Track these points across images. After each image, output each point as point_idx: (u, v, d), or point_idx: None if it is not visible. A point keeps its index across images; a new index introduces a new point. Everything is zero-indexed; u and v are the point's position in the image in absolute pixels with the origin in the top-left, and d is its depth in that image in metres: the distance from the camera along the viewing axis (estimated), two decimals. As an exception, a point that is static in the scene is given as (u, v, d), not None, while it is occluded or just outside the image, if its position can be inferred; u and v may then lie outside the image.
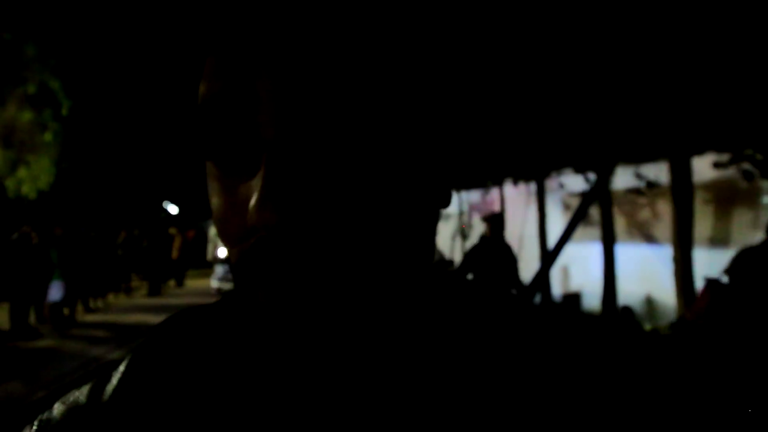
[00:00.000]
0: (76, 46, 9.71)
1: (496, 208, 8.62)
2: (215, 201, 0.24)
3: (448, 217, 9.85)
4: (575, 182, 6.44)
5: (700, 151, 4.78)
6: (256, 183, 0.21)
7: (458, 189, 8.65)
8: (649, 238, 6.87)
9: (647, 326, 5.06)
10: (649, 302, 6.42)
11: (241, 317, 0.30)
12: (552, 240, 6.48)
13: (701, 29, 3.00)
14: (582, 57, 3.53)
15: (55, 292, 6.37)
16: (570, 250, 6.04)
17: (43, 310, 6.44)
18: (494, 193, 8.51)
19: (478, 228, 9.65)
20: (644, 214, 7.02)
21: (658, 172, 5.37)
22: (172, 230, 11.96)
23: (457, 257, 9.10)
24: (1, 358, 5.01)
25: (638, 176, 5.43)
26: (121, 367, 0.31)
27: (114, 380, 0.30)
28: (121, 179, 12.81)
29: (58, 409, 0.30)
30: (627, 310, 5.11)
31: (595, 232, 6.37)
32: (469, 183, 8.24)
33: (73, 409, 0.30)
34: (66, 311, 6.74)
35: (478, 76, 3.81)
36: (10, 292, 6.03)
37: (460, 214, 9.33)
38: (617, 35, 3.25)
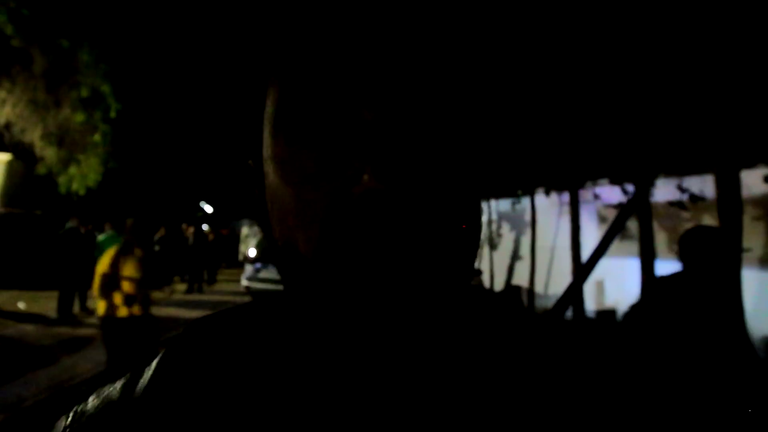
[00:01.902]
0: (127, 53, 10.26)
1: (527, 218, 8.40)
2: (295, 185, 0.27)
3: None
4: (612, 193, 6.17)
5: (751, 164, 4.49)
6: (364, 159, 0.25)
7: (487, 198, 8.49)
8: (692, 255, 6.47)
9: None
10: (691, 323, 6.03)
11: (275, 322, 0.31)
12: (586, 253, 6.23)
13: (757, 33, 2.81)
14: (622, 59, 3.38)
15: None
16: (605, 265, 5.78)
17: (86, 301, 6.77)
18: (525, 202, 8.31)
19: (507, 238, 9.44)
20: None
21: (703, 185, 5.07)
22: (206, 229, 12.31)
23: (485, 266, 8.91)
24: (45, 345, 5.29)
25: (681, 189, 5.13)
26: (153, 364, 0.32)
27: (146, 377, 0.31)
28: (162, 179, 13.39)
29: (92, 402, 0.31)
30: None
31: (633, 246, 6.07)
32: (498, 192, 8.07)
33: (106, 403, 0.31)
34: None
35: (511, 80, 3.72)
36: (59, 282, 6.39)
37: (489, 223, 9.16)
38: (663, 37, 3.10)
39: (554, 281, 7.71)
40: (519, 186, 7.37)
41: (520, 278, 8.45)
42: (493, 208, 9.08)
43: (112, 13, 9.26)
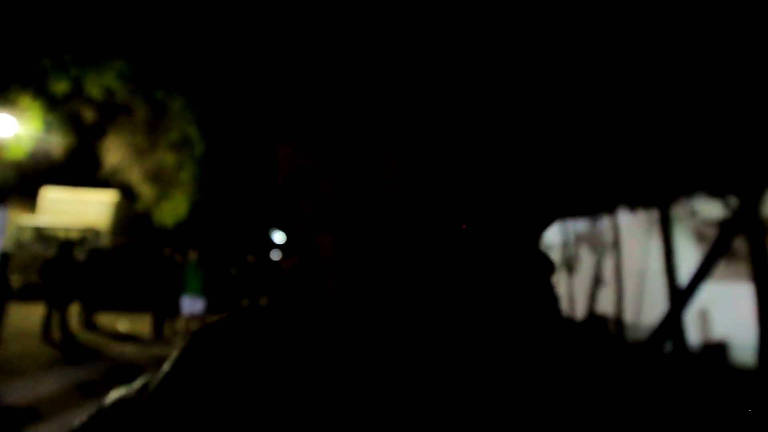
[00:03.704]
0: (212, 101, 11.47)
1: (608, 238, 7.68)
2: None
3: (550, 248, 9.07)
4: (711, 208, 5.44)
5: None
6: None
7: (563, 217, 7.95)
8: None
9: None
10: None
11: (292, 324, 0.30)
12: (683, 278, 5.51)
13: None
14: (722, 56, 3.03)
15: (190, 305, 7.15)
16: (710, 291, 5.04)
17: (176, 323, 7.31)
18: (605, 221, 7.62)
19: (586, 260, 8.69)
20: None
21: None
22: (250, 258, 12.53)
23: (562, 292, 8.24)
24: (141, 363, 5.75)
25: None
26: (166, 366, 0.32)
27: (158, 376, 0.32)
28: (239, 210, 14.46)
29: (110, 398, 0.33)
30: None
31: (744, 269, 5.25)
32: (575, 210, 7.51)
33: (121, 400, 0.32)
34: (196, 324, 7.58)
35: (586, 82, 3.49)
36: (153, 305, 6.99)
37: (565, 245, 8.52)
38: None
39: (646, 310, 6.88)
40: (598, 203, 6.79)
41: (604, 306, 7.67)
42: (569, 229, 8.46)
43: (199, 66, 10.43)
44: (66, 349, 5.69)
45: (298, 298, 0.30)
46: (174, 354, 0.33)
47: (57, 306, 5.82)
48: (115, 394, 0.33)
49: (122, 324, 7.57)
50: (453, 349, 0.26)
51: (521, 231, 0.26)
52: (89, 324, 7.21)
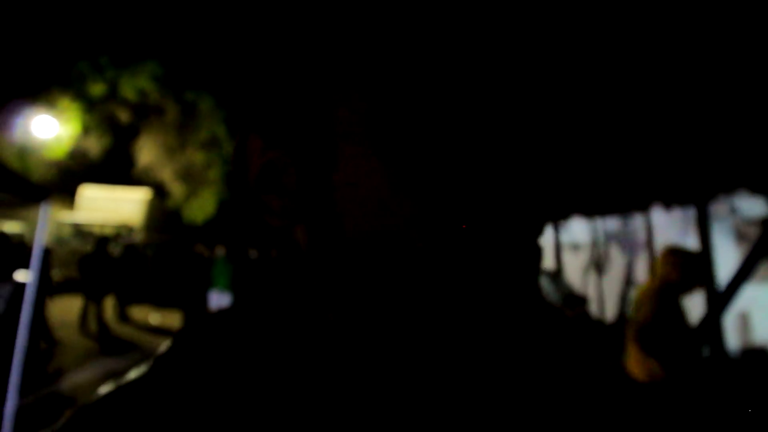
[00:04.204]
0: (241, 101, 11.74)
1: (641, 238, 7.38)
2: None
3: (578, 247, 8.80)
4: (753, 206, 5.15)
5: None
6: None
7: (592, 215, 7.69)
8: None
9: None
10: None
11: (276, 316, 0.30)
12: (723, 279, 5.23)
13: None
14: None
15: (217, 300, 7.33)
16: (751, 293, 4.78)
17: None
18: (638, 220, 7.34)
19: (617, 261, 8.38)
20: None
21: None
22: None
23: (591, 294, 7.97)
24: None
25: None
26: (156, 355, 0.32)
27: (148, 367, 0.32)
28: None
29: (103, 390, 0.32)
30: None
31: (789, 270, 4.95)
32: (605, 208, 7.25)
33: (112, 391, 0.31)
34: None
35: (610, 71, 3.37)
36: (184, 300, 7.19)
37: (595, 244, 8.26)
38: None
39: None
40: (631, 200, 6.53)
41: (636, 307, 7.38)
42: (599, 228, 8.19)
43: (227, 66, 10.69)
44: (102, 341, 5.93)
45: (278, 294, 0.30)
46: (167, 343, 0.32)
47: (93, 299, 6.08)
48: (101, 391, 0.32)
49: (154, 317, 7.84)
50: (420, 338, 0.25)
51: (479, 222, 0.24)
52: (123, 317, 7.50)
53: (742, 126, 3.64)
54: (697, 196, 5.60)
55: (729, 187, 5.03)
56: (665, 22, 3.20)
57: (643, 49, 3.34)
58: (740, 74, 3.28)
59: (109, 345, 5.73)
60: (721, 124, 3.72)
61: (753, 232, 5.34)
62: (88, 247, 7.73)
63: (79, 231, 10.96)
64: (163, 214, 12.37)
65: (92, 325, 6.06)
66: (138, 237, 10.91)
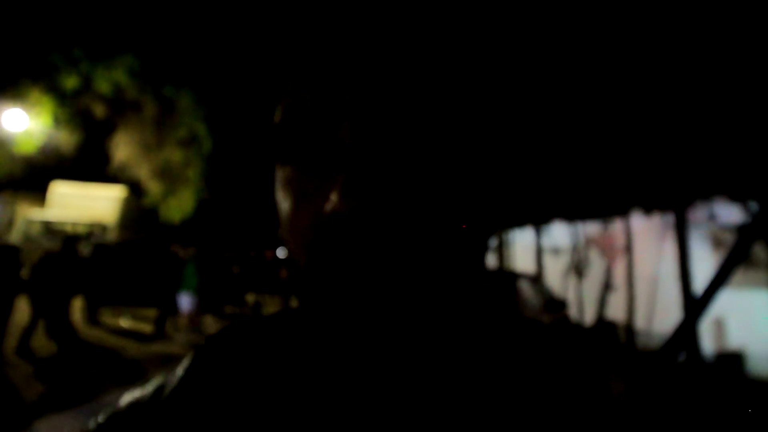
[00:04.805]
0: (220, 97, 11.47)
1: (620, 242, 7.47)
2: (289, 202, 0.28)
3: (558, 251, 8.86)
4: (729, 213, 5.24)
5: None
6: (337, 179, 0.26)
7: (572, 219, 7.75)
8: None
9: None
10: None
11: (296, 328, 0.33)
12: (699, 285, 5.30)
13: None
14: (744, 55, 2.87)
15: (186, 302, 7.16)
16: (726, 299, 4.85)
17: (179, 320, 7.28)
18: (617, 225, 7.42)
19: (597, 265, 8.47)
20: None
21: None
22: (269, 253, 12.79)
23: (571, 297, 8.03)
24: (139, 360, 5.71)
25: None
26: (180, 369, 0.34)
27: (174, 379, 0.34)
28: (245, 208, 14.47)
29: (124, 400, 0.34)
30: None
31: (763, 276, 5.04)
32: (585, 213, 7.31)
33: (137, 402, 0.33)
34: (195, 320, 7.53)
35: (589, 78, 3.36)
36: (158, 301, 6.95)
37: (575, 249, 8.32)
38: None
39: (659, 317, 6.67)
40: (611, 205, 6.59)
41: (615, 312, 7.47)
42: (579, 232, 8.25)
43: (208, 62, 10.43)
44: (66, 344, 5.66)
45: (300, 309, 0.33)
46: (188, 357, 0.35)
47: (59, 301, 5.80)
48: (128, 397, 0.34)
49: (125, 320, 7.56)
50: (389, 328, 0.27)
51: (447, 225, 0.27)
52: (92, 319, 7.20)
53: (720, 135, 3.67)
54: (676, 202, 5.68)
55: (707, 194, 5.11)
56: (642, 33, 3.20)
57: (623, 60, 3.34)
58: (718, 86, 3.30)
59: (73, 349, 5.47)
60: (700, 133, 3.74)
61: (729, 239, 5.44)
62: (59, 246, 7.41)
63: (50, 229, 10.55)
64: (138, 212, 12.02)
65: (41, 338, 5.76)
66: (112, 235, 10.55)
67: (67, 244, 6.09)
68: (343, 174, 0.25)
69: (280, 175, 0.29)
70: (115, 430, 0.32)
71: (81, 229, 10.43)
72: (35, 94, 9.93)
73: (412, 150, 0.26)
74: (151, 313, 7.32)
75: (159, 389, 0.33)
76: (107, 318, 7.40)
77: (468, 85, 0.27)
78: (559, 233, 8.65)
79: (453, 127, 0.26)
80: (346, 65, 0.27)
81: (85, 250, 7.65)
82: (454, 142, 0.26)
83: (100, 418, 0.33)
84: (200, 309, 7.39)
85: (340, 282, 0.25)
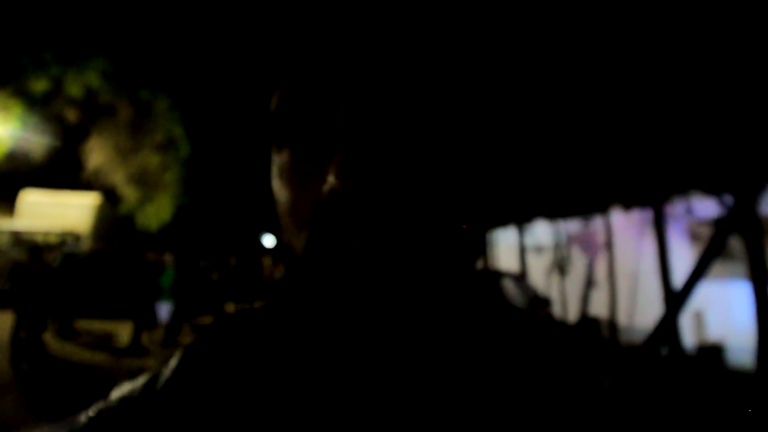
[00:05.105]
0: (198, 99, 11.23)
1: (600, 239, 7.55)
2: (287, 186, 0.29)
3: (541, 249, 8.92)
4: (706, 207, 5.33)
5: None
6: (334, 160, 0.27)
7: (553, 217, 7.80)
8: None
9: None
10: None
11: (285, 320, 0.32)
12: (678, 279, 5.37)
13: None
14: (716, 53, 2.91)
15: (165, 312, 6.93)
16: (705, 292, 4.92)
17: (155, 332, 7.02)
18: (598, 222, 7.50)
19: (579, 262, 8.55)
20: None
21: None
22: (266, 261, 12.66)
23: (555, 295, 8.08)
24: (113, 374, 5.48)
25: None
26: (173, 362, 0.34)
27: (166, 373, 0.33)
28: (226, 214, 14.18)
29: (114, 396, 0.33)
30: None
31: (740, 268, 5.14)
32: (566, 211, 7.37)
33: (128, 397, 0.33)
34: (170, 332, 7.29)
35: (570, 79, 3.36)
36: (134, 312, 6.66)
37: (556, 246, 8.39)
38: None
39: (640, 312, 6.75)
40: (591, 203, 6.65)
41: (598, 308, 7.53)
42: (561, 230, 8.32)
43: (185, 64, 10.20)
44: (34, 359, 5.40)
45: (294, 299, 0.32)
46: (179, 352, 0.34)
47: (27, 314, 5.54)
48: (118, 392, 0.34)
49: (98, 333, 7.27)
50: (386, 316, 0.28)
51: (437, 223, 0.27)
52: (63, 333, 6.90)
53: (696, 131, 3.72)
54: (653, 198, 5.76)
55: (683, 189, 5.20)
56: (615, 35, 3.22)
57: (599, 62, 3.37)
58: (690, 83, 3.34)
59: (43, 363, 5.22)
60: (676, 129, 3.79)
61: (706, 233, 5.54)
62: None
63: (19, 239, 10.12)
64: (113, 220, 11.65)
65: (26, 342, 5.51)
66: (85, 245, 10.18)
67: (34, 255, 5.83)
68: (340, 155, 0.26)
69: (277, 160, 0.30)
70: (106, 425, 0.31)
71: (52, 239, 10.04)
72: (2, 98, 9.55)
73: (405, 131, 0.27)
74: (126, 325, 7.06)
75: (151, 382, 0.33)
76: (79, 331, 7.10)
77: (456, 73, 0.29)
78: (541, 232, 8.71)
79: (442, 111, 0.28)
80: (342, 54, 0.28)
81: (55, 260, 7.34)
82: (444, 123, 0.28)
83: (91, 413, 0.32)
84: (178, 319, 7.17)
85: (338, 261, 0.26)
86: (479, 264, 0.33)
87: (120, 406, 0.32)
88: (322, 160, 0.27)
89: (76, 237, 10.49)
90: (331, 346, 0.29)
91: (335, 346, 0.29)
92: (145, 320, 6.74)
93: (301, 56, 0.29)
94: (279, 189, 0.29)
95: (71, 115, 10.24)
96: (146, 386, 0.33)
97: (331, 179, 0.26)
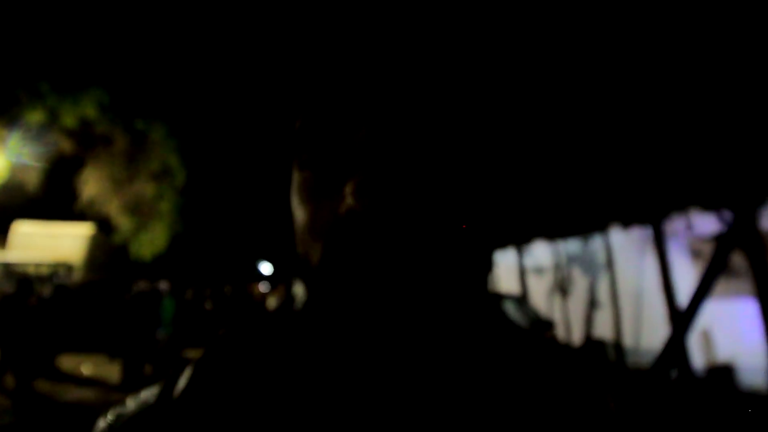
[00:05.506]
0: (193, 128, 11.29)
1: (601, 259, 7.45)
2: (306, 205, 0.30)
3: (542, 271, 8.79)
4: (705, 223, 5.27)
5: None
6: (353, 180, 0.28)
7: (553, 238, 7.72)
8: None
9: None
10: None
11: (299, 328, 0.33)
12: (683, 297, 5.26)
13: None
14: (714, 67, 2.91)
15: (159, 343, 6.69)
16: (711, 310, 4.80)
17: (147, 366, 6.73)
18: (598, 241, 7.41)
19: (580, 283, 8.41)
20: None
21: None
22: (255, 288, 12.42)
23: (557, 317, 7.90)
24: (100, 410, 5.23)
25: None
26: (189, 371, 0.34)
27: (182, 382, 0.33)
28: (221, 242, 14.04)
29: (129, 405, 0.34)
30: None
31: (745, 284, 5.03)
32: (566, 231, 7.29)
33: (144, 406, 0.33)
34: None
35: (570, 97, 3.35)
36: (125, 346, 6.37)
37: (557, 267, 8.27)
38: None
39: (646, 332, 6.58)
40: (590, 222, 6.59)
41: (601, 329, 7.36)
42: (561, 250, 8.22)
43: (180, 94, 10.31)
44: (19, 396, 5.16)
45: (306, 313, 0.32)
46: (194, 361, 0.34)
47: (12, 348, 5.32)
48: (132, 402, 0.34)
49: (87, 367, 7.01)
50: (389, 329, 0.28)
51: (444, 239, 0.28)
52: (50, 368, 6.65)
53: (693, 147, 3.70)
54: (652, 215, 5.70)
55: (681, 205, 5.15)
56: (611, 49, 3.24)
57: (596, 78, 3.38)
58: (689, 98, 3.34)
59: (27, 400, 4.98)
60: (673, 146, 3.77)
61: (708, 249, 5.45)
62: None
63: (11, 271, 9.93)
64: (107, 250, 11.49)
65: (9, 379, 5.28)
66: (77, 275, 9.99)
67: (23, 287, 5.67)
68: (358, 175, 0.27)
69: (297, 179, 0.31)
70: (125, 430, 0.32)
71: (44, 270, 9.86)
72: (-3, 131, 9.53)
73: (422, 153, 0.28)
74: (117, 359, 6.81)
75: (165, 391, 0.33)
76: (67, 366, 6.85)
77: (470, 98, 0.30)
78: (540, 252, 8.61)
79: (458, 134, 0.29)
80: (363, 79, 0.29)
81: (45, 292, 7.16)
82: (459, 147, 0.29)
83: (107, 423, 0.33)
84: (172, 350, 6.94)
85: (353, 274, 0.27)
86: (490, 285, 0.32)
87: (138, 416, 0.33)
88: (341, 180, 0.28)
89: (69, 267, 10.31)
90: (342, 359, 0.29)
91: (345, 359, 0.29)
92: (136, 354, 6.49)
93: (324, 81, 0.30)
94: (297, 205, 0.31)
95: (66, 145, 10.24)
96: (162, 394, 0.33)
97: (348, 199, 0.27)
